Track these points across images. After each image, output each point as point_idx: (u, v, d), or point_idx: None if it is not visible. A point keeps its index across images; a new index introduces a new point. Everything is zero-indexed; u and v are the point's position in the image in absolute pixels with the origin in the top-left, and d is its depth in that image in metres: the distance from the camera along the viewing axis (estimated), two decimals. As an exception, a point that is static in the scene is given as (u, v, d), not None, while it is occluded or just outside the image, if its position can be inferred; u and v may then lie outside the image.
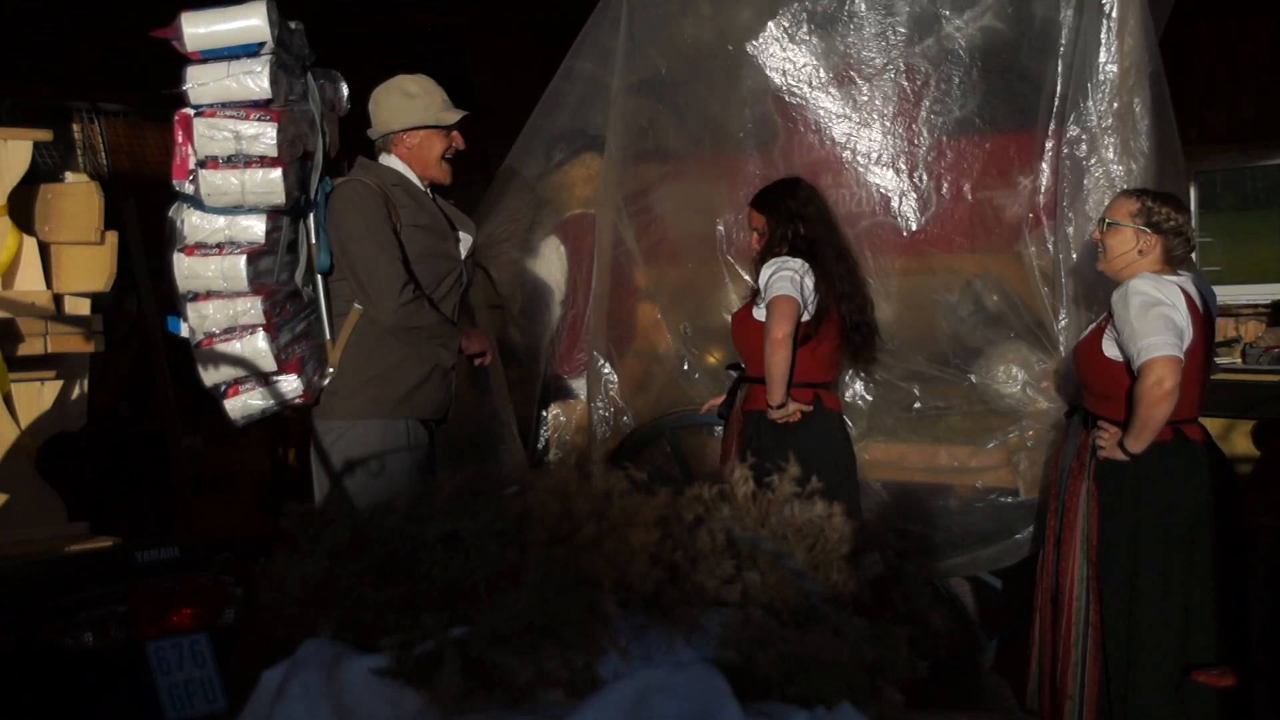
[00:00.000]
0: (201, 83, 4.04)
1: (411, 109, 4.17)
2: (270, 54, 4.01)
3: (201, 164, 4.05)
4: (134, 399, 6.33)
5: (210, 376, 4.22)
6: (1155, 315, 3.55)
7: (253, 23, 3.99)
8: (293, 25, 4.31)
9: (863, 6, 4.70)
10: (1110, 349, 3.68)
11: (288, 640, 2.02)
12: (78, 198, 4.23)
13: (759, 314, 4.17)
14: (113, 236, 4.28)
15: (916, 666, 1.97)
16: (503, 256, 5.18)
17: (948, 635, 2.06)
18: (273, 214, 4.12)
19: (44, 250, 4.15)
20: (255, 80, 3.99)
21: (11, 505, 4.04)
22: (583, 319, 5.13)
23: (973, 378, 4.40)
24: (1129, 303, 3.59)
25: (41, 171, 4.52)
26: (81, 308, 4.21)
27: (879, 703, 1.88)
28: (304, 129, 4.20)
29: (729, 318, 4.68)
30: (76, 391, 4.23)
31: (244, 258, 4.10)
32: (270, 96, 4.00)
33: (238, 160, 4.02)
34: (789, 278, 4.11)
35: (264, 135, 3.98)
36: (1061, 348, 4.26)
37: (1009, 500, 4.35)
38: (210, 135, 4.02)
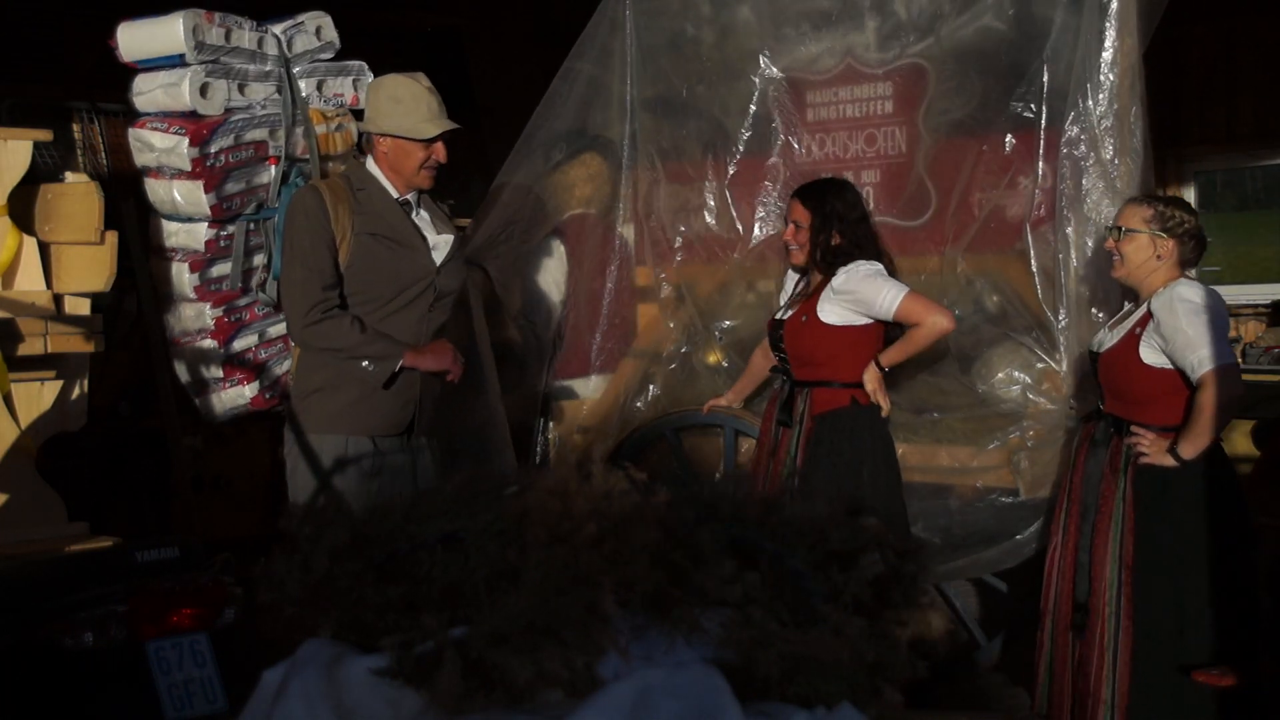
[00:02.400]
0: (140, 92, 4.11)
1: (393, 114, 3.96)
2: (197, 64, 4.03)
3: (144, 173, 4.12)
4: (134, 399, 6.32)
5: (183, 376, 4.31)
6: (1206, 322, 3.57)
7: (170, 34, 4.03)
8: (290, 23, 4.34)
9: (862, 6, 4.70)
10: (1150, 356, 3.68)
11: (288, 640, 2.01)
12: (78, 198, 4.24)
13: (832, 317, 4.11)
14: (113, 236, 4.29)
15: (916, 666, 1.97)
16: (503, 256, 5.18)
17: (948, 635, 2.06)
18: (215, 222, 4.15)
19: (44, 250, 4.16)
20: (177, 92, 4.03)
21: (11, 505, 4.05)
22: (595, 319, 5.12)
23: (973, 378, 4.40)
24: (1176, 311, 3.60)
25: (41, 171, 4.54)
26: (81, 308, 4.22)
27: (879, 703, 1.88)
28: (260, 135, 4.21)
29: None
30: (76, 391, 4.24)
31: (186, 266, 4.16)
32: (191, 107, 4.02)
33: (165, 171, 4.08)
34: (886, 274, 4.12)
35: (177, 149, 4.02)
36: (1062, 348, 4.26)
37: (1010, 501, 4.34)
38: (137, 147, 4.11)
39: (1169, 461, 3.63)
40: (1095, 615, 3.75)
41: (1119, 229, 3.80)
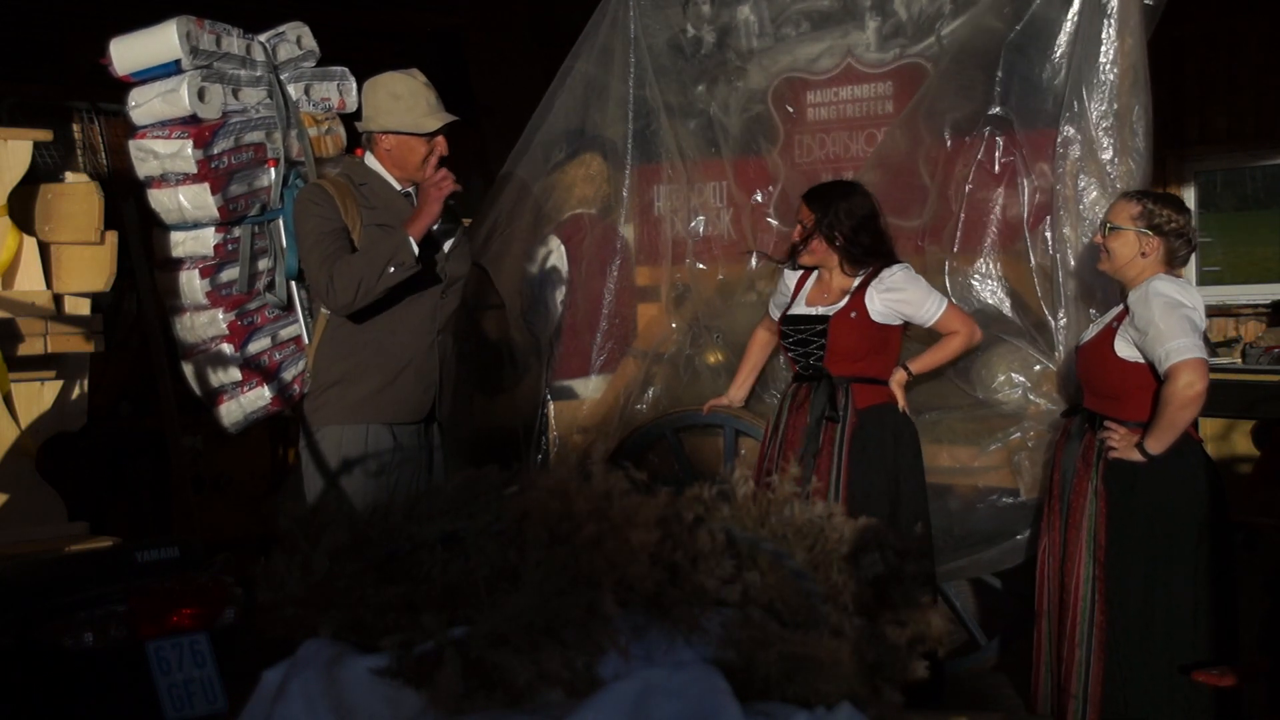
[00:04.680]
0: (136, 105, 4.13)
1: (393, 111, 4.04)
2: (193, 69, 4.05)
3: (147, 185, 4.13)
4: (134, 399, 6.33)
5: (196, 387, 4.31)
6: (1180, 317, 3.58)
7: (166, 42, 4.06)
8: (272, 33, 4.36)
9: (862, 6, 4.70)
10: (1125, 350, 3.70)
11: (288, 640, 2.02)
12: (78, 198, 4.24)
13: (876, 315, 4.15)
14: (113, 236, 4.30)
15: (916, 666, 1.97)
16: (504, 256, 5.18)
17: (948, 635, 2.06)
18: (222, 226, 4.17)
19: (44, 250, 4.17)
20: (176, 98, 4.05)
21: (11, 505, 4.05)
22: (595, 319, 5.13)
23: (973, 379, 4.40)
24: (1151, 304, 3.62)
25: (41, 171, 4.55)
26: (81, 308, 4.22)
27: (879, 703, 1.88)
28: (258, 138, 4.24)
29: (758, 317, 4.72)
30: (76, 391, 4.25)
31: (196, 272, 4.18)
32: (192, 112, 4.04)
33: (170, 179, 4.09)
34: (923, 280, 4.22)
35: (182, 152, 4.04)
36: (1061, 348, 4.26)
37: (1010, 501, 4.34)
38: (140, 157, 4.12)
39: (1136, 456, 3.64)
40: (1068, 611, 3.77)
41: (1106, 224, 3.82)
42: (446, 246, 4.14)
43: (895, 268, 4.19)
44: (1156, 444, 3.61)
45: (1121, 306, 3.79)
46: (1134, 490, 3.67)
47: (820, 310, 4.24)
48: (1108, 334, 3.77)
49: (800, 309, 4.32)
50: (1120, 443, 3.68)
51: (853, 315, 4.17)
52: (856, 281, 4.20)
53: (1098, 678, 3.70)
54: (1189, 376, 3.53)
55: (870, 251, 4.19)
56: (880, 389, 4.19)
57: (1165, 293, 3.63)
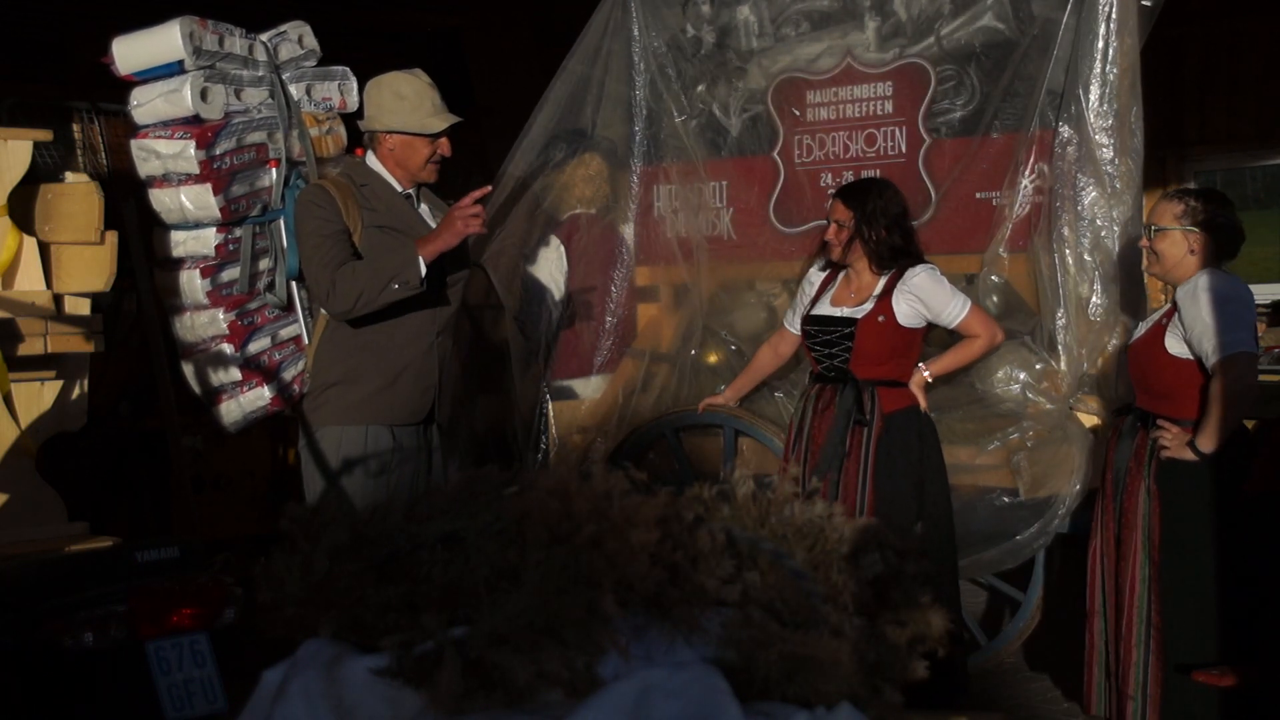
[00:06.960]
0: (138, 104, 4.13)
1: (398, 111, 4.06)
2: (196, 69, 4.05)
3: (148, 184, 4.13)
4: (134, 399, 6.33)
5: (195, 387, 4.31)
6: (1227, 312, 3.57)
7: (169, 42, 4.05)
8: (273, 33, 4.36)
9: (862, 6, 4.70)
10: (1175, 347, 3.69)
11: (288, 640, 2.02)
12: (78, 198, 4.23)
13: (902, 318, 4.12)
14: (113, 236, 4.29)
15: (916, 666, 1.97)
16: (503, 256, 5.18)
17: (947, 635, 2.05)
18: (223, 226, 4.17)
19: (44, 250, 4.16)
20: (178, 98, 4.05)
21: (11, 505, 4.04)
22: (596, 319, 5.12)
23: (972, 378, 4.40)
24: (1199, 299, 3.60)
25: (41, 171, 4.54)
26: (81, 308, 4.21)
27: (879, 703, 1.88)
28: (260, 138, 4.24)
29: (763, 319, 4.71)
30: (76, 391, 4.24)
31: (197, 272, 4.18)
32: (194, 112, 4.04)
33: (172, 179, 4.10)
34: (949, 282, 4.18)
35: (184, 153, 4.04)
36: (1061, 348, 4.26)
37: (1010, 501, 4.34)
38: (142, 157, 4.12)
39: (1189, 455, 3.62)
40: (1124, 611, 3.75)
41: (1150, 227, 3.80)
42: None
43: (919, 268, 4.15)
44: (1207, 442, 3.59)
45: (1170, 303, 3.77)
46: (1187, 488, 3.65)
47: (847, 312, 4.20)
48: (1158, 331, 3.75)
49: (825, 309, 4.28)
50: (1173, 442, 3.66)
51: (881, 319, 4.14)
52: (882, 283, 4.17)
53: (1156, 678, 3.68)
54: (1238, 371, 3.51)
55: (899, 252, 4.16)
56: (904, 392, 4.16)
57: (1213, 287, 3.61)
